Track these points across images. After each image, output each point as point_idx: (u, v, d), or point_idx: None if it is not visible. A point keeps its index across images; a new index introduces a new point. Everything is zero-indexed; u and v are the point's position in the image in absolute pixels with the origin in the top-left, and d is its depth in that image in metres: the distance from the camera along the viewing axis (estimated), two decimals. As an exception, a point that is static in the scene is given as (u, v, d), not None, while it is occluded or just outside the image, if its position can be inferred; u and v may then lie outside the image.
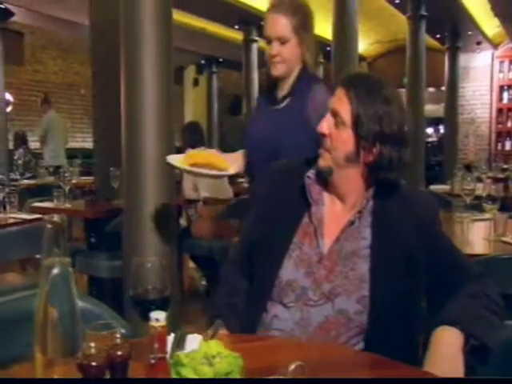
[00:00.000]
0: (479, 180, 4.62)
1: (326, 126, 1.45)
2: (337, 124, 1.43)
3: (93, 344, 0.87)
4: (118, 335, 0.92)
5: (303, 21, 2.06)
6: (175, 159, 1.98)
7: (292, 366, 0.91)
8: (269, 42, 2.06)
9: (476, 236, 2.83)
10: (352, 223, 1.44)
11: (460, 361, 1.19)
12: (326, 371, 1.09)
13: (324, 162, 1.47)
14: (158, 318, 0.95)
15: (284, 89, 2.14)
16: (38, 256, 3.39)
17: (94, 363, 0.86)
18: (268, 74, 2.14)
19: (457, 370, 1.18)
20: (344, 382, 1.06)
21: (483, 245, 2.63)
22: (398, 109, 1.42)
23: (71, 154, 8.17)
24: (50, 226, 0.94)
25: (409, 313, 1.43)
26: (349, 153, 1.43)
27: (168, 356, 1.14)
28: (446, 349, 1.20)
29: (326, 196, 1.52)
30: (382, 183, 1.48)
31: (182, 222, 5.77)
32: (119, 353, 0.90)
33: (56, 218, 0.96)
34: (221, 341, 1.16)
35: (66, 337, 0.92)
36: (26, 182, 6.29)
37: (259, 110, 2.27)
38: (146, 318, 1.01)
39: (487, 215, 2.91)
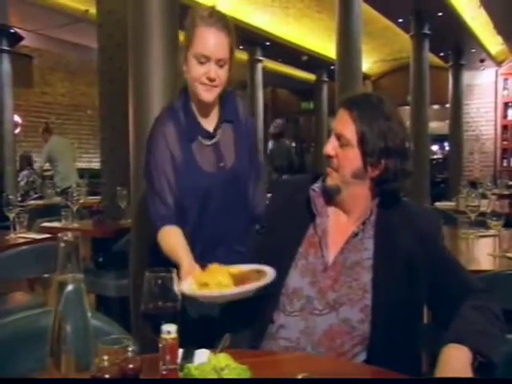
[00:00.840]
0: (484, 197, 4.64)
1: (330, 147, 1.50)
2: (342, 145, 1.49)
3: (106, 357, 0.90)
4: (129, 349, 0.95)
5: (235, 38, 1.82)
6: (188, 287, 1.45)
7: (299, 376, 0.94)
8: (203, 61, 1.76)
9: (481, 252, 2.84)
10: (356, 235, 1.50)
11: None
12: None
13: (332, 180, 1.52)
14: (170, 330, 0.98)
15: (210, 119, 1.89)
16: (46, 275, 3.43)
17: (106, 376, 0.89)
18: (192, 100, 1.86)
19: None
20: (344, 382, 1.09)
21: (488, 261, 2.64)
22: (398, 123, 1.50)
23: (78, 174, 8.23)
24: (63, 243, 0.98)
25: (410, 322, 1.46)
26: (356, 170, 1.48)
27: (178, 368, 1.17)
28: (456, 366, 1.19)
29: (330, 208, 1.58)
30: (385, 196, 1.53)
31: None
32: (131, 366, 0.93)
33: (70, 235, 0.99)
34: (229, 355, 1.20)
35: (80, 352, 0.94)
36: (33, 202, 6.34)
37: (187, 149, 1.84)
38: (157, 333, 1.04)
39: (492, 231, 2.93)
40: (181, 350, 1.30)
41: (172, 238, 1.76)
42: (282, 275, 1.50)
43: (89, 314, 1.00)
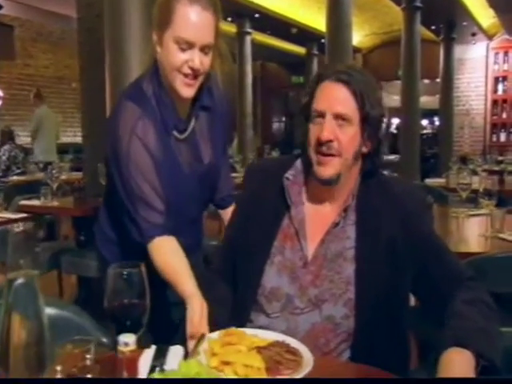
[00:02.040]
0: (474, 173, 4.56)
1: (329, 131, 1.32)
2: (340, 125, 1.33)
3: (59, 368, 0.79)
4: (88, 356, 0.85)
5: (220, 19, 1.53)
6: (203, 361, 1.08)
7: None
8: (184, 48, 1.47)
9: (472, 232, 2.76)
10: (337, 224, 1.37)
11: None
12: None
13: (332, 169, 1.34)
14: (127, 341, 0.87)
15: (184, 106, 1.62)
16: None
17: (59, 388, 0.79)
18: (165, 85, 1.55)
19: None
20: (344, 382, 1.00)
21: (479, 242, 2.56)
22: (379, 91, 1.40)
23: (62, 149, 8.07)
24: (15, 235, 0.87)
25: (396, 313, 1.36)
26: (357, 150, 1.36)
27: (147, 372, 1.07)
28: (459, 372, 1.06)
29: (307, 197, 1.44)
30: (368, 176, 1.41)
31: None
32: (89, 376, 0.83)
33: (21, 226, 0.89)
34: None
35: (31, 356, 0.85)
36: (15, 178, 6.18)
37: (159, 142, 1.57)
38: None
39: (483, 210, 2.84)
40: (153, 347, 1.20)
41: (171, 257, 1.47)
42: (258, 274, 1.38)
43: (44, 316, 0.90)
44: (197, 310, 1.25)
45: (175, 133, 1.60)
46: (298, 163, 1.46)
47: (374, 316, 1.30)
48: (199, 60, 1.47)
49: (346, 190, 1.40)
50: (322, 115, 1.34)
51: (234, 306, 1.42)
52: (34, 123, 7.63)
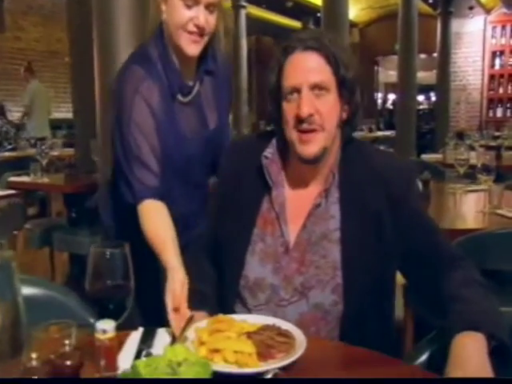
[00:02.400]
0: (471, 148, 4.51)
1: (307, 105, 1.23)
2: (318, 95, 1.25)
3: (34, 355, 0.74)
4: (67, 341, 0.80)
5: None
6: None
7: (269, 375, 0.80)
8: (189, 4, 1.47)
9: (470, 208, 2.72)
10: (318, 206, 1.29)
11: (489, 366, 1.00)
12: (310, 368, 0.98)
13: (316, 146, 1.25)
14: (105, 328, 0.81)
15: (189, 70, 1.61)
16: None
17: (34, 376, 0.73)
18: (170, 47, 1.54)
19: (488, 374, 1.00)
20: (344, 382, 0.96)
21: (477, 218, 2.52)
22: (349, 52, 1.33)
23: (55, 125, 7.96)
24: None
25: (385, 296, 1.32)
26: (338, 118, 1.29)
27: (134, 355, 1.02)
28: (473, 356, 1.00)
29: (287, 177, 1.36)
30: (346, 149, 1.34)
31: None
32: (68, 363, 0.78)
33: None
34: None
35: (6, 340, 0.81)
36: (6, 154, 6.09)
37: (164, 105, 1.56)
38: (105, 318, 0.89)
39: (481, 186, 2.79)
40: (140, 330, 1.16)
41: (158, 223, 1.43)
42: (239, 264, 1.30)
43: (20, 298, 0.85)
44: (177, 282, 1.20)
45: (180, 96, 1.59)
46: (275, 141, 1.38)
47: (363, 300, 1.24)
48: (204, 18, 1.47)
49: (327, 167, 1.32)
50: (296, 90, 1.25)
51: (217, 298, 1.34)
52: (27, 99, 7.48)
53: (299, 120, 1.24)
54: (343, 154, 1.33)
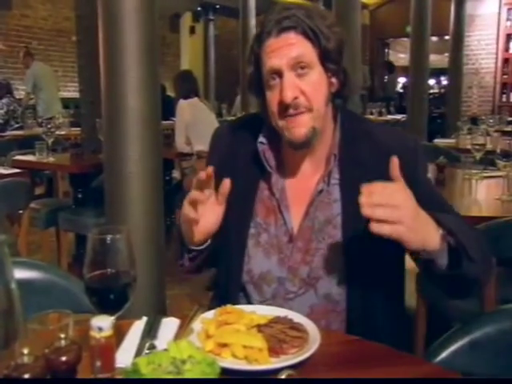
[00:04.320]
0: (486, 134, 4.40)
1: (290, 87, 1.15)
2: (301, 74, 1.16)
3: (26, 351, 0.68)
4: (63, 335, 0.73)
5: None
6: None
7: (283, 376, 0.74)
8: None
9: (486, 195, 2.63)
10: (321, 192, 1.22)
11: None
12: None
13: (304, 127, 1.17)
14: (102, 326, 0.74)
15: None
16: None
17: (26, 375, 0.67)
18: None
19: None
20: (344, 382, 0.89)
21: (494, 205, 2.43)
22: (332, 17, 1.24)
23: (63, 104, 7.88)
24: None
25: (393, 284, 1.24)
26: (326, 94, 1.20)
27: (136, 347, 0.96)
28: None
29: (285, 161, 1.28)
30: (345, 126, 1.26)
31: (176, 175, 5.59)
32: (63, 358, 0.71)
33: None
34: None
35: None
36: (13, 132, 6.03)
37: None
38: (104, 310, 0.82)
39: (498, 172, 2.69)
40: (144, 319, 1.10)
41: None
42: (242, 258, 1.23)
43: (14, 285, 0.79)
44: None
45: None
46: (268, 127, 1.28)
47: (368, 288, 1.17)
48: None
49: (324, 149, 1.24)
50: (277, 73, 1.16)
51: (218, 292, 1.27)
52: (29, 84, 7.36)
53: (284, 106, 1.16)
54: (343, 133, 1.25)
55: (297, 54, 1.15)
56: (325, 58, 1.17)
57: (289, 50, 1.15)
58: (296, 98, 1.15)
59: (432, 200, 1.21)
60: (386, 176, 1.16)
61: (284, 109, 1.17)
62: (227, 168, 1.28)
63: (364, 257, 1.17)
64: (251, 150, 1.27)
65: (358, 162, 1.22)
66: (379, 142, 1.24)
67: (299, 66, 1.15)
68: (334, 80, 1.21)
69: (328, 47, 1.16)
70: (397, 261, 1.25)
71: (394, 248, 1.19)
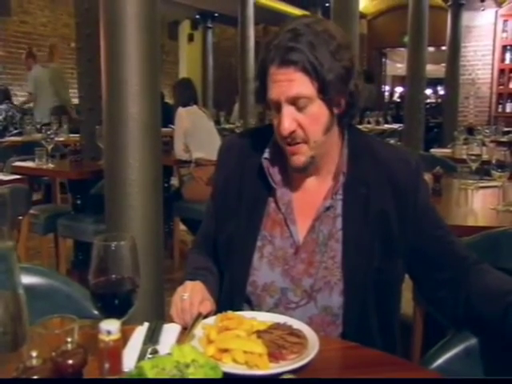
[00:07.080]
0: (482, 144, 4.43)
1: (288, 121, 1.17)
2: (300, 107, 1.17)
3: (34, 353, 0.70)
4: (70, 339, 0.75)
5: None
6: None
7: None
8: None
9: (482, 205, 2.66)
10: (328, 208, 1.24)
11: None
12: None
13: (303, 156, 1.21)
14: (110, 329, 0.76)
15: None
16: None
17: (34, 376, 0.69)
18: None
19: None
20: (344, 382, 0.91)
21: (490, 215, 2.46)
22: (341, 36, 1.20)
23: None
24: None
25: (390, 299, 1.27)
26: (327, 123, 1.21)
27: (139, 352, 0.98)
28: None
29: (289, 176, 1.30)
30: (355, 145, 1.27)
31: (174, 182, 5.61)
32: (70, 361, 0.73)
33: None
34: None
35: (5, 332, 0.76)
36: (12, 138, 6.04)
37: None
38: (109, 315, 0.84)
39: (494, 182, 2.72)
40: (146, 324, 1.12)
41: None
42: (246, 269, 1.25)
43: (21, 291, 0.81)
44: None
45: None
46: (274, 141, 1.30)
47: (364, 303, 1.20)
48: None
49: (332, 162, 1.27)
50: (277, 105, 1.19)
51: (221, 303, 1.28)
52: (31, 85, 7.37)
53: (283, 136, 1.20)
54: (350, 150, 1.27)
55: (296, 92, 1.16)
56: (325, 90, 1.17)
57: (288, 87, 1.16)
58: (293, 131, 1.18)
59: (431, 221, 1.25)
60: (386, 196, 1.20)
61: (283, 137, 1.20)
62: (235, 182, 1.31)
63: (362, 272, 1.19)
64: (258, 163, 1.29)
65: (362, 179, 1.24)
66: (382, 160, 1.26)
67: (298, 101, 1.17)
68: (337, 103, 1.21)
69: (328, 79, 1.15)
70: (395, 279, 1.28)
71: (392, 266, 1.22)
